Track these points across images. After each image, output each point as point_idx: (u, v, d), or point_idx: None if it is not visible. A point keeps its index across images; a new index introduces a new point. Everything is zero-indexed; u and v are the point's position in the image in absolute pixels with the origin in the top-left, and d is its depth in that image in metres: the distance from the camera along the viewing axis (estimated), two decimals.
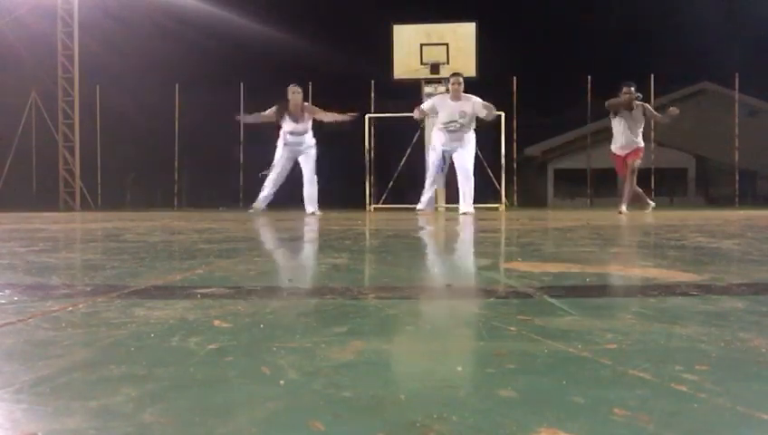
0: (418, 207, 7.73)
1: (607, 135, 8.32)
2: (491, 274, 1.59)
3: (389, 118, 12.78)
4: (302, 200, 8.22)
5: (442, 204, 11.09)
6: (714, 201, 18.98)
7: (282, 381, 0.60)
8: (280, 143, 7.98)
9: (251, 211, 8.01)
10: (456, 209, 7.90)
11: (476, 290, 1.33)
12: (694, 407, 0.53)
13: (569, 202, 18.80)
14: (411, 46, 11.20)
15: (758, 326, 0.86)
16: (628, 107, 7.78)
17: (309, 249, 2.59)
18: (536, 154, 21.57)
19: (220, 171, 17.91)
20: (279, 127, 7.95)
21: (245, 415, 0.51)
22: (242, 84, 16.47)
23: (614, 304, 1.09)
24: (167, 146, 16.70)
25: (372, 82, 14.75)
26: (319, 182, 8.11)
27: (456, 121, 7.55)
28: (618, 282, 1.39)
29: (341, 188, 12.64)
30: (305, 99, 8.17)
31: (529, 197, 18.85)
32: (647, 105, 7.91)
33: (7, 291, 1.23)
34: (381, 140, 12.53)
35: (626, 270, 1.58)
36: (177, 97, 16.48)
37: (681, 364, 0.66)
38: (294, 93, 7.82)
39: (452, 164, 7.86)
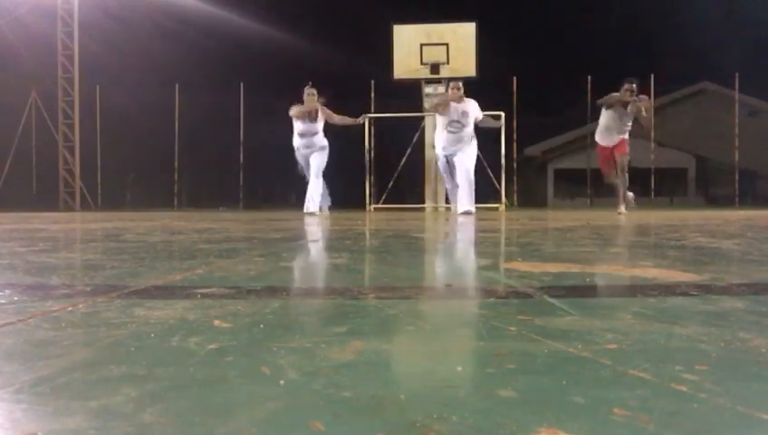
0: (464, 210, 7.60)
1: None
2: (491, 274, 1.59)
3: (389, 118, 12.78)
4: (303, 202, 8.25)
5: (443, 204, 11.10)
6: (714, 201, 18.99)
7: (282, 381, 0.60)
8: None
9: (324, 212, 8.06)
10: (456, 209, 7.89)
11: (476, 290, 1.33)
12: (694, 407, 0.53)
13: (569, 202, 18.81)
14: (411, 46, 11.19)
15: (758, 326, 0.86)
16: (626, 104, 7.75)
17: (309, 249, 2.59)
18: (536, 154, 21.57)
19: (220, 171, 17.92)
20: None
21: (245, 415, 0.51)
22: (242, 84, 16.48)
23: (614, 304, 1.09)
24: (167, 146, 16.70)
25: (372, 82, 14.75)
26: (326, 183, 8.16)
27: (458, 121, 7.59)
28: (618, 282, 1.39)
29: (341, 188, 12.65)
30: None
31: (529, 197, 18.85)
32: (638, 103, 7.86)
33: (7, 291, 1.23)
34: (381, 140, 12.53)
35: (626, 270, 1.58)
36: (177, 97, 16.48)
37: (681, 364, 0.66)
38: (309, 95, 7.88)
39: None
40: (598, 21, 24.29)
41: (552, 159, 21.47)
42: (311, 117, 7.89)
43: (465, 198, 7.63)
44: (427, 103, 8.55)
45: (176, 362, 0.68)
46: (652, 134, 15.81)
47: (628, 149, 7.93)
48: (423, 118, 11.60)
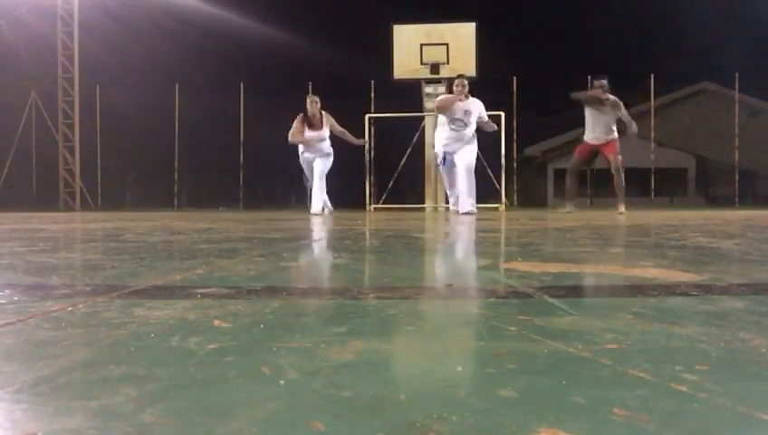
0: (462, 210, 7.60)
1: (626, 135, 8.29)
2: (491, 274, 1.59)
3: (389, 118, 12.78)
4: (303, 202, 8.31)
5: (442, 204, 11.10)
6: (714, 201, 18.99)
7: (282, 381, 0.60)
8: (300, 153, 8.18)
9: (328, 213, 8.08)
10: (456, 209, 7.89)
11: (476, 290, 1.33)
12: (694, 407, 0.53)
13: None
14: (411, 46, 11.19)
15: (758, 326, 0.86)
16: (599, 102, 7.72)
17: (309, 249, 2.59)
18: (536, 154, 21.57)
19: (220, 171, 17.92)
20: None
21: (245, 415, 0.51)
22: (242, 84, 16.48)
23: (614, 304, 1.09)
24: (167, 146, 16.71)
25: (372, 82, 14.76)
26: (327, 185, 8.20)
27: (461, 120, 7.57)
28: (618, 282, 1.39)
29: (341, 188, 12.64)
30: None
31: (529, 197, 18.86)
32: (620, 104, 7.83)
33: (7, 291, 1.23)
34: (381, 140, 12.54)
35: (626, 270, 1.58)
36: (177, 97, 16.49)
37: (681, 364, 0.66)
38: (312, 103, 7.98)
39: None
40: (598, 21, 24.29)
41: (552, 159, 21.47)
42: (315, 125, 7.95)
43: (466, 198, 7.63)
44: (428, 103, 8.53)
45: (176, 362, 0.68)
46: (652, 134, 15.82)
47: (618, 149, 7.91)
48: (423, 118, 11.60)
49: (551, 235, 3.32)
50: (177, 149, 16.63)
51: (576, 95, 7.94)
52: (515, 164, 15.27)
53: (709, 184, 20.95)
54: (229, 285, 1.29)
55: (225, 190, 17.51)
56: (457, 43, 11.20)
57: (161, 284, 1.33)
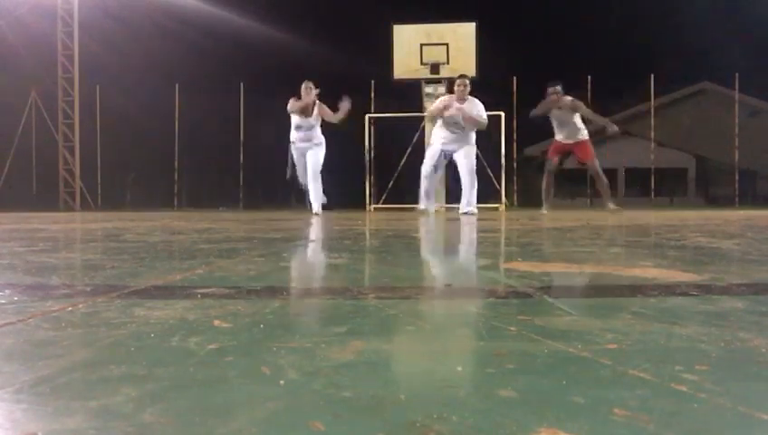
0: (467, 210, 7.59)
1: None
2: (491, 274, 1.59)
3: (389, 118, 12.77)
4: (303, 202, 8.27)
5: (443, 204, 11.09)
6: (714, 201, 18.99)
7: (282, 381, 0.60)
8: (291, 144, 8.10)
9: (316, 213, 8.02)
10: (456, 209, 7.89)
11: (476, 290, 1.33)
12: (694, 407, 0.53)
13: (569, 202, 18.81)
14: (411, 46, 11.19)
15: (758, 326, 0.86)
16: (556, 107, 7.83)
17: (309, 249, 2.59)
18: (536, 154, 21.55)
19: (220, 171, 17.93)
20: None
21: (245, 415, 0.51)
22: (242, 84, 16.47)
23: (614, 304, 1.09)
24: (167, 146, 16.70)
25: (372, 82, 14.75)
26: (324, 180, 8.13)
27: (458, 122, 7.55)
28: (618, 282, 1.39)
29: (341, 188, 12.64)
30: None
31: (529, 197, 18.84)
32: (579, 103, 7.90)
33: (7, 291, 1.23)
34: (381, 140, 12.53)
35: (626, 270, 1.58)
36: (177, 97, 16.48)
37: (681, 364, 0.66)
38: (307, 89, 7.90)
39: (452, 165, 7.87)
40: (598, 21, 24.28)
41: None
42: (308, 111, 7.90)
43: (467, 199, 7.63)
44: (428, 103, 8.51)
45: (176, 362, 0.68)
46: (652, 134, 15.81)
47: (591, 152, 8.06)
48: (423, 118, 11.59)
49: (551, 235, 3.32)
50: (177, 149, 16.62)
51: (533, 113, 8.12)
52: (515, 164, 15.27)
53: (709, 184, 20.95)
54: (229, 285, 1.29)
55: (225, 190, 17.50)
56: (457, 43, 11.20)
57: (161, 284, 1.33)
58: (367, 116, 11.71)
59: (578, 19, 23.84)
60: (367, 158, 11.78)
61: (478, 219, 5.77)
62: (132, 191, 19.45)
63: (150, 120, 17.30)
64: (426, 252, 2.51)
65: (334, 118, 8.00)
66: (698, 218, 5.64)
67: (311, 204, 8.13)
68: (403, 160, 12.61)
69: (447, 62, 11.09)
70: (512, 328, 0.85)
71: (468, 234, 3.63)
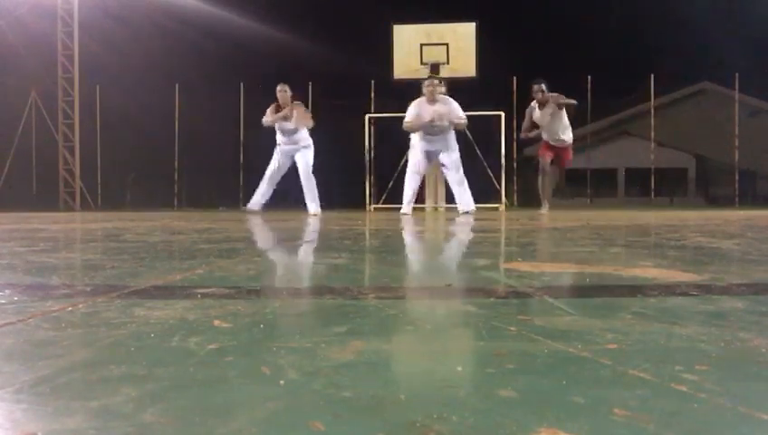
0: (405, 210, 7.64)
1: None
2: (491, 274, 1.59)
3: (389, 118, 12.76)
4: (303, 202, 8.25)
5: (442, 204, 11.10)
6: (714, 201, 18.98)
7: (282, 381, 0.60)
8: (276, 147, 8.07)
9: (244, 209, 8.01)
10: (455, 209, 7.90)
11: (476, 290, 1.33)
12: (694, 407, 0.53)
13: (569, 202, 18.82)
14: (411, 46, 11.19)
15: (758, 326, 0.86)
16: (541, 105, 7.86)
17: (309, 249, 2.59)
18: (536, 154, 21.55)
19: (220, 171, 17.92)
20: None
21: (245, 415, 0.51)
22: (242, 84, 16.46)
23: (614, 304, 1.09)
24: (167, 146, 16.70)
25: (372, 82, 14.75)
26: (318, 181, 8.12)
27: (432, 125, 7.56)
28: (618, 282, 1.39)
29: (341, 188, 12.63)
30: (296, 98, 8.10)
31: (529, 197, 18.84)
32: (554, 95, 7.91)
33: (7, 291, 1.23)
34: (381, 140, 12.52)
35: (626, 270, 1.58)
36: (177, 97, 16.48)
37: (681, 364, 0.66)
38: (281, 92, 7.84)
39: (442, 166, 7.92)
40: (598, 21, 24.27)
41: None
42: (287, 116, 7.85)
43: (463, 198, 7.65)
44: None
45: (176, 362, 0.68)
46: (652, 134, 15.81)
47: (570, 159, 8.22)
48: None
49: (551, 235, 3.32)
50: (177, 149, 16.62)
51: (521, 135, 8.30)
52: (515, 164, 15.27)
53: (709, 184, 20.94)
54: (229, 285, 1.29)
55: (225, 190, 17.49)
56: (457, 43, 11.19)
57: (161, 284, 1.33)
58: (367, 116, 11.70)
59: (578, 19, 23.82)
60: (367, 158, 11.78)
61: (478, 219, 5.77)
62: (132, 191, 19.44)
63: (150, 120, 17.30)
64: (426, 252, 2.51)
65: (307, 123, 7.92)
66: (698, 218, 5.64)
67: (306, 205, 8.15)
68: (403, 160, 12.60)
69: (447, 62, 11.08)
70: (512, 328, 0.85)
71: (468, 234, 3.63)
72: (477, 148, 12.27)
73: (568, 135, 8.04)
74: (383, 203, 11.93)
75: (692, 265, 1.68)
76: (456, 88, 11.40)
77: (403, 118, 7.93)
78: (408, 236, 3.39)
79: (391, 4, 17.78)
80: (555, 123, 7.91)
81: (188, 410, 0.53)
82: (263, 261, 2.06)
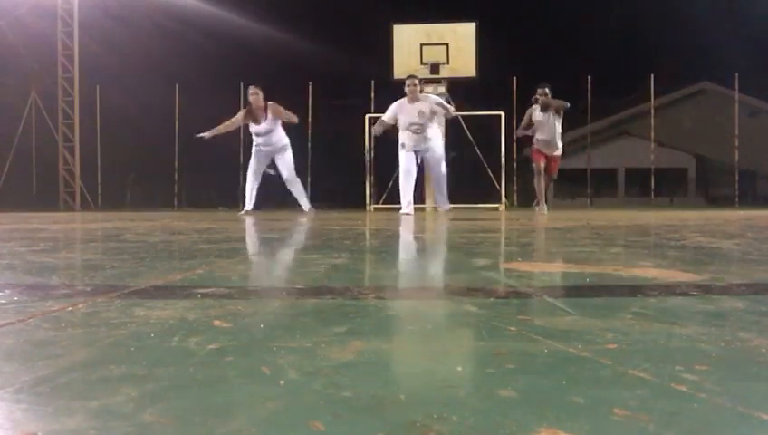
0: (406, 211, 7.65)
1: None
2: (491, 274, 1.59)
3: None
4: (297, 202, 8.29)
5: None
6: (714, 201, 18.98)
7: (282, 381, 0.60)
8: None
9: (240, 214, 8.02)
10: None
11: (476, 290, 1.33)
12: (694, 407, 0.53)
13: (569, 202, 18.82)
14: (411, 46, 11.19)
15: (758, 326, 0.86)
16: (543, 109, 7.91)
17: (309, 249, 2.59)
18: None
19: (220, 172, 17.91)
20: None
21: (245, 415, 0.51)
22: (242, 84, 16.46)
23: (614, 304, 1.09)
24: (167, 146, 16.69)
25: (372, 82, 14.75)
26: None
27: (415, 123, 7.58)
28: (618, 282, 1.39)
29: (341, 188, 12.63)
30: (268, 98, 8.06)
31: (529, 197, 18.85)
32: (554, 99, 7.94)
33: (7, 291, 1.23)
34: (381, 139, 12.52)
35: (626, 270, 1.58)
36: (177, 97, 16.48)
37: (681, 364, 0.66)
38: (252, 95, 7.84)
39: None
40: (598, 21, 24.27)
41: None
42: (255, 118, 7.83)
43: (439, 199, 7.72)
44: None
45: (176, 362, 0.68)
46: (652, 134, 15.81)
47: (557, 168, 8.53)
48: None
49: (550, 235, 3.32)
50: (177, 149, 16.61)
51: (518, 133, 8.34)
52: (515, 164, 15.26)
53: (709, 184, 20.94)
54: (229, 285, 1.29)
55: (225, 190, 17.49)
56: (457, 43, 11.19)
57: (161, 284, 1.33)
58: (367, 116, 11.70)
59: (578, 19, 23.82)
60: (367, 158, 11.78)
61: (478, 219, 5.77)
62: (132, 191, 19.45)
63: (150, 120, 17.30)
64: (425, 252, 2.51)
65: (290, 118, 7.87)
66: (698, 218, 5.64)
67: (300, 205, 8.18)
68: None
69: (447, 62, 11.09)
70: (512, 328, 0.85)
71: (468, 234, 3.63)
72: (477, 148, 12.28)
73: (560, 144, 8.13)
74: (383, 203, 11.93)
75: (692, 265, 1.68)
76: (456, 88, 11.41)
77: None
78: (407, 236, 3.39)
79: (391, 4, 17.79)
80: (552, 129, 7.96)
81: (188, 410, 0.53)
82: (262, 261, 2.06)
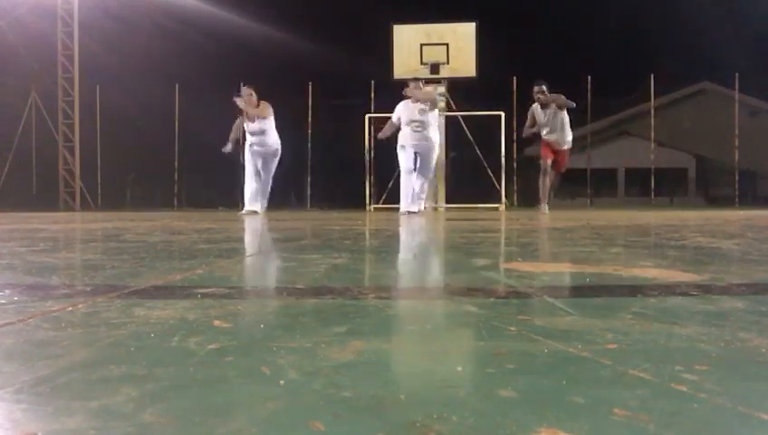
0: (411, 209, 7.65)
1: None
2: (491, 274, 1.59)
3: (390, 118, 12.75)
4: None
5: (442, 204, 11.10)
6: (714, 201, 18.98)
7: (282, 381, 0.60)
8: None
9: (240, 214, 8.03)
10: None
11: (476, 290, 1.33)
12: (694, 407, 0.53)
13: (569, 202, 18.82)
14: (411, 46, 11.19)
15: (758, 326, 0.86)
16: (543, 105, 7.90)
17: (308, 249, 2.59)
18: (536, 154, 21.54)
19: (220, 172, 17.91)
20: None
21: (245, 415, 0.51)
22: (241, 84, 16.46)
23: (614, 304, 1.09)
24: (167, 146, 16.69)
25: (372, 82, 14.74)
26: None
27: (416, 121, 7.62)
28: (618, 282, 1.39)
29: (341, 188, 12.62)
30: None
31: (529, 197, 18.85)
32: (554, 96, 7.94)
33: (7, 291, 1.23)
34: (381, 139, 12.52)
35: (626, 270, 1.58)
36: (177, 97, 16.47)
37: (681, 364, 0.66)
38: (248, 95, 7.86)
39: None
40: (598, 21, 24.27)
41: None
42: (250, 117, 7.85)
43: (417, 198, 7.72)
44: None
45: (176, 362, 0.68)
46: (652, 134, 15.81)
47: (566, 162, 8.33)
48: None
49: (551, 235, 3.32)
50: (177, 149, 16.61)
51: (524, 133, 8.34)
52: (515, 164, 15.26)
53: (709, 184, 20.94)
54: (229, 285, 1.29)
55: (225, 190, 17.49)
56: (457, 43, 11.19)
57: (161, 284, 1.33)
58: (367, 116, 11.70)
59: (578, 19, 23.82)
60: (367, 158, 11.77)
61: (478, 219, 5.77)
62: (132, 191, 19.44)
63: (150, 120, 17.30)
64: (425, 252, 2.51)
65: (262, 113, 7.85)
66: (698, 219, 5.64)
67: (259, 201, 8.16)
68: None
69: (447, 62, 11.09)
70: (512, 328, 0.85)
71: (468, 234, 3.63)
72: (477, 148, 12.28)
73: (569, 137, 8.08)
74: (383, 203, 11.92)
75: (692, 265, 1.68)
76: (456, 88, 11.40)
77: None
78: (407, 236, 3.39)
79: (391, 4, 17.78)
80: (557, 123, 7.95)
81: (188, 410, 0.53)
82: (262, 261, 2.06)
